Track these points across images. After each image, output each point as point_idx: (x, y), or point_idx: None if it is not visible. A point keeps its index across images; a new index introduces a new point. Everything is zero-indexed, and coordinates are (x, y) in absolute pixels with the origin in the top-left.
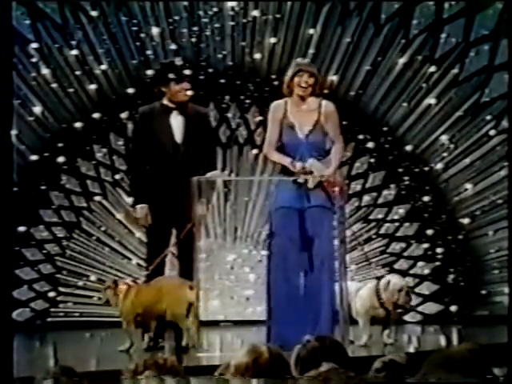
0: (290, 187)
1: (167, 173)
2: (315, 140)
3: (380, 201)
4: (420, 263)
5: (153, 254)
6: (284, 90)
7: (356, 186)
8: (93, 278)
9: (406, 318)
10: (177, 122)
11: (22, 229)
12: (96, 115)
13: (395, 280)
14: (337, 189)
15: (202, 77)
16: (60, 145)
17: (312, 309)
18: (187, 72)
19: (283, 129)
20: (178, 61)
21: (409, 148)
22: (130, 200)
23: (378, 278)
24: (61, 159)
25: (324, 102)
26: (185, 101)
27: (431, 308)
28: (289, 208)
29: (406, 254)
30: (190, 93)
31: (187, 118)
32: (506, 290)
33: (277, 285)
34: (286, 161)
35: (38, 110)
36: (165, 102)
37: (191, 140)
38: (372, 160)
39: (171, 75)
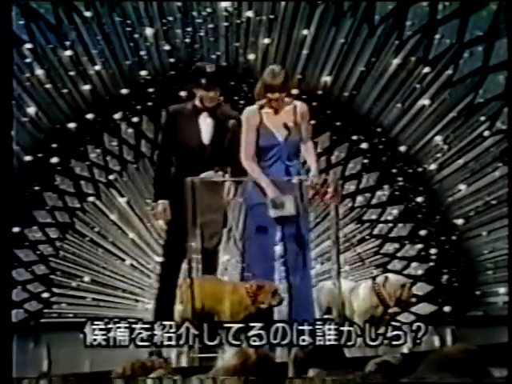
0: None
1: (192, 173)
2: (293, 141)
3: (373, 201)
4: (414, 264)
5: (171, 253)
6: (256, 95)
7: (350, 187)
8: (86, 278)
9: (400, 318)
10: (206, 124)
11: (15, 230)
12: (90, 116)
13: (394, 276)
14: (329, 195)
15: None
16: (54, 145)
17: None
18: (218, 79)
19: (260, 134)
20: (210, 67)
21: (403, 149)
22: (123, 200)
23: (373, 278)
24: (54, 160)
25: (298, 103)
26: (213, 106)
27: (425, 309)
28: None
29: (399, 254)
30: (219, 98)
31: (217, 121)
32: (501, 290)
33: None
34: (265, 182)
35: (31, 110)
36: (196, 102)
37: (218, 142)
38: (366, 161)
39: (202, 81)
